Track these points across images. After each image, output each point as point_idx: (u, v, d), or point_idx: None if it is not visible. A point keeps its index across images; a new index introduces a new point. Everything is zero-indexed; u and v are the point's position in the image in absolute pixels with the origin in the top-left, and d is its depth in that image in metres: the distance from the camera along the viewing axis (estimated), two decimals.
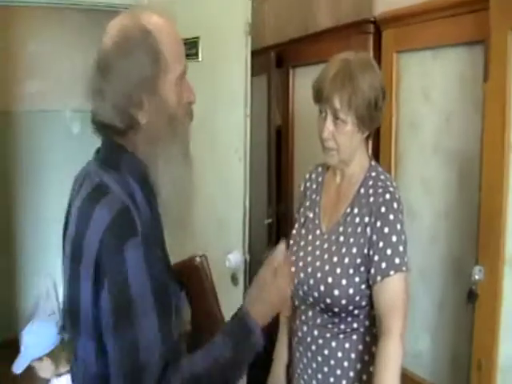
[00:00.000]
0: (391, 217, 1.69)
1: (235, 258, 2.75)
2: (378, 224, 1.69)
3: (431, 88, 2.05)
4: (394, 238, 1.67)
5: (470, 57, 1.89)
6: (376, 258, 1.68)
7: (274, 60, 2.98)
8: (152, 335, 1.19)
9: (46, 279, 4.92)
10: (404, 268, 1.67)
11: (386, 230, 1.68)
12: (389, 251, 1.66)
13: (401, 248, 1.68)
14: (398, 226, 1.69)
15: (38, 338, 2.57)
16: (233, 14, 2.69)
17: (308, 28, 2.76)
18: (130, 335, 1.18)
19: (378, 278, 1.67)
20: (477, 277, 1.73)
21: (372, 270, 1.68)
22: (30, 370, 2.60)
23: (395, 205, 1.71)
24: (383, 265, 1.66)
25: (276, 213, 3.12)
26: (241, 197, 2.75)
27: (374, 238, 1.69)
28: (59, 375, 2.59)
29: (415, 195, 2.09)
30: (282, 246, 1.47)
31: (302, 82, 2.82)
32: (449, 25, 1.92)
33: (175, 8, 2.84)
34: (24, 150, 4.78)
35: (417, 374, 2.15)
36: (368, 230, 1.71)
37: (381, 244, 1.67)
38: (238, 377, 1.40)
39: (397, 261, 1.66)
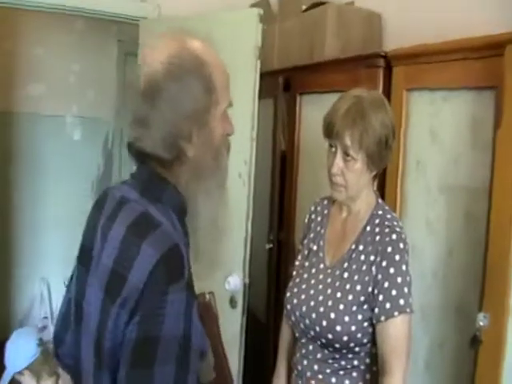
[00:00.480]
0: (397, 257, 1.70)
1: (235, 281, 2.77)
2: (384, 264, 1.70)
3: (440, 129, 2.04)
4: (400, 279, 1.68)
5: (479, 101, 1.89)
6: (380, 297, 1.68)
7: (282, 85, 2.98)
8: None
9: (41, 283, 4.93)
10: (408, 310, 1.68)
11: (392, 270, 1.69)
12: (394, 292, 1.67)
13: (405, 289, 1.69)
14: (404, 267, 1.70)
15: (17, 351, 2.55)
16: (243, 37, 2.70)
17: (315, 54, 2.76)
18: (144, 377, 1.13)
19: (382, 317, 1.68)
20: (481, 323, 1.73)
21: (376, 310, 1.69)
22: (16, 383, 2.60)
23: (401, 245, 1.72)
24: (387, 305, 1.67)
25: (277, 238, 3.12)
26: (243, 221, 2.76)
27: (379, 277, 1.70)
28: None
29: (420, 235, 2.09)
30: None
31: (310, 108, 2.82)
32: (460, 68, 1.91)
33: (185, 26, 2.87)
34: (24, 152, 4.80)
35: None
36: (373, 268, 1.72)
37: (386, 284, 1.68)
38: None
39: (401, 302, 1.67)
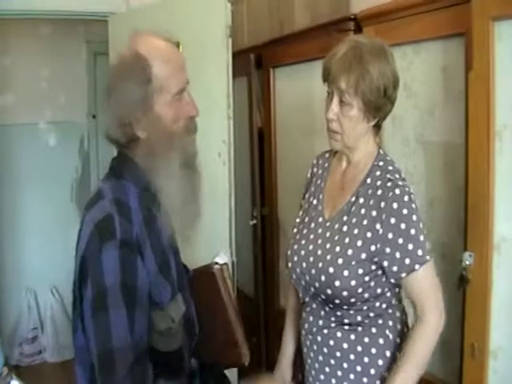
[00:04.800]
0: (405, 211, 1.62)
1: (222, 260, 2.75)
2: (393, 221, 1.62)
3: (413, 81, 2.08)
4: (413, 231, 1.62)
5: (450, 49, 1.93)
6: (398, 255, 1.62)
7: (254, 61, 2.99)
8: (121, 325, 1.37)
9: (27, 294, 4.86)
10: (428, 257, 1.62)
11: (403, 225, 1.61)
12: (410, 246, 1.61)
13: (421, 238, 1.62)
14: (414, 218, 1.63)
15: None
16: (213, 18, 2.71)
17: (285, 28, 2.78)
18: (103, 323, 1.37)
19: (403, 274, 1.62)
20: (467, 262, 1.76)
21: (394, 268, 1.63)
22: None
23: (406, 198, 1.64)
24: (407, 261, 1.61)
25: (261, 214, 3.14)
26: (226, 201, 2.77)
27: (391, 235, 1.62)
28: None
29: None
30: None
31: (283, 81, 2.83)
32: (428, 19, 1.96)
33: (155, 13, 2.89)
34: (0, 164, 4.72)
35: None
36: (378, 226, 1.64)
37: (400, 241, 1.61)
38: None
39: (419, 253, 1.61)
